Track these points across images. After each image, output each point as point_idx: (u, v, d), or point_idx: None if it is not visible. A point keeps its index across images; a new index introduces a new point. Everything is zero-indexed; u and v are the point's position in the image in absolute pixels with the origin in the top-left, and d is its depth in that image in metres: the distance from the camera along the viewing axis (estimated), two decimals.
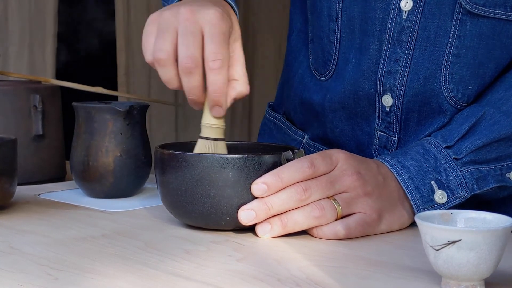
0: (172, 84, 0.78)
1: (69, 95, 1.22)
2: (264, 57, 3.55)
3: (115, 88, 3.11)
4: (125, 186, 0.93)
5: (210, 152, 0.78)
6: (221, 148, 0.79)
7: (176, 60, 0.76)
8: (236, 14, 0.85)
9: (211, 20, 0.76)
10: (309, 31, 0.97)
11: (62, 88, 1.12)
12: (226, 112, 0.78)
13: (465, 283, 0.56)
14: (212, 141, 0.78)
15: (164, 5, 0.97)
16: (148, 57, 0.78)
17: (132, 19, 3.05)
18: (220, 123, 0.79)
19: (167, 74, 0.77)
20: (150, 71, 3.15)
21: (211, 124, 0.78)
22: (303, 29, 0.99)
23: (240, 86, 0.79)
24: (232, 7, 0.84)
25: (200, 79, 0.76)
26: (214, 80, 0.75)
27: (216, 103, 0.77)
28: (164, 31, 0.76)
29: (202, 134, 0.79)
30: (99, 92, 1.13)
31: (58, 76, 2.82)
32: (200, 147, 0.79)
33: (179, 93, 3.24)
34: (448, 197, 0.78)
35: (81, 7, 3.40)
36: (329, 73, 0.93)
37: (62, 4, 2.89)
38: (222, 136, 0.79)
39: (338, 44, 0.91)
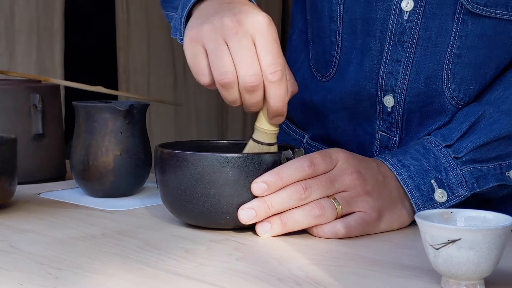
0: (238, 103, 0.76)
1: (72, 95, 1.22)
2: None
3: (115, 87, 3.11)
4: (125, 185, 0.93)
5: None
6: (274, 151, 0.78)
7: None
8: None
9: (261, 28, 0.73)
10: (308, 32, 0.97)
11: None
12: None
13: (465, 282, 0.56)
14: (266, 146, 0.78)
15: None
16: (205, 79, 0.75)
17: (131, 18, 3.05)
18: (276, 129, 0.78)
19: (232, 96, 0.75)
20: (149, 70, 3.15)
21: (267, 130, 0.77)
22: (304, 29, 0.99)
23: (292, 86, 0.77)
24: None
25: (262, 94, 0.74)
26: (276, 93, 0.73)
27: (278, 114, 0.75)
28: (218, 51, 0.73)
29: (256, 138, 0.78)
30: (99, 91, 1.13)
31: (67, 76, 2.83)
32: (251, 149, 0.78)
33: (178, 93, 3.24)
34: (448, 196, 0.78)
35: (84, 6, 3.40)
36: (330, 74, 0.93)
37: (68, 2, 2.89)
38: (275, 141, 0.79)
39: (339, 45, 0.91)
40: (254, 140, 0.78)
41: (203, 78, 0.75)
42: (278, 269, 0.63)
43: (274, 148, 0.78)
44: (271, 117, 0.76)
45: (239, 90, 0.74)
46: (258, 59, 0.72)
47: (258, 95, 0.74)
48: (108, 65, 3.21)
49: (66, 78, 2.99)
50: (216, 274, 0.61)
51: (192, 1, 0.82)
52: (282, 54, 0.74)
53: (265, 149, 0.78)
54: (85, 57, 3.42)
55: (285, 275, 0.61)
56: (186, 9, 0.82)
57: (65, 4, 2.83)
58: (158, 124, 3.23)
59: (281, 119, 0.76)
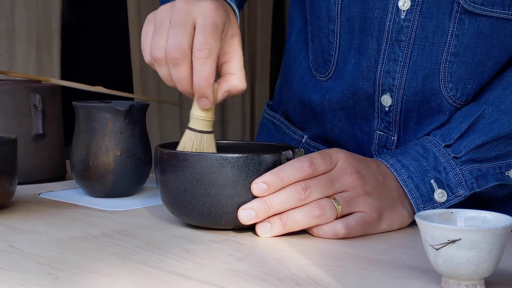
0: (169, 81, 0.77)
1: (70, 95, 1.22)
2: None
3: (130, 88, 3.12)
4: (125, 185, 0.93)
5: (194, 145, 0.77)
6: (207, 140, 0.77)
7: None
8: (235, 13, 0.84)
9: (204, 11, 0.74)
10: (308, 32, 0.97)
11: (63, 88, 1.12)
12: (214, 105, 0.76)
13: (465, 282, 0.56)
14: (199, 133, 0.77)
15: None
16: (147, 57, 0.77)
17: (143, 19, 3.05)
18: (208, 116, 0.77)
19: (164, 72, 0.76)
20: None
21: (198, 116, 0.77)
22: (303, 29, 0.99)
23: (235, 80, 0.78)
24: (231, 6, 0.84)
25: (187, 70, 0.74)
26: (199, 69, 0.73)
27: (201, 94, 0.75)
28: (159, 28, 0.75)
29: (190, 125, 0.78)
30: (99, 91, 1.13)
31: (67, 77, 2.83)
32: (186, 138, 0.77)
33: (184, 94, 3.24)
34: (448, 196, 0.78)
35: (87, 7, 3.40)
36: (329, 73, 0.93)
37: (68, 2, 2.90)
38: (209, 129, 0.78)
39: (337, 45, 0.91)
40: (189, 129, 0.77)
41: (145, 56, 0.77)
42: (278, 269, 0.63)
43: (208, 137, 0.77)
44: (197, 98, 0.75)
45: None
46: (193, 38, 0.74)
47: (182, 70, 0.74)
48: (122, 66, 3.22)
49: (77, 79, 3.00)
50: (216, 274, 0.61)
51: None
52: (217, 38, 0.74)
53: (198, 137, 0.77)
54: (100, 58, 3.42)
55: (285, 275, 0.61)
56: None
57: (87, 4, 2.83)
58: (158, 124, 3.23)
59: (207, 103, 0.75)
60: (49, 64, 2.81)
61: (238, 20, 0.85)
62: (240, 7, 0.96)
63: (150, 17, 0.78)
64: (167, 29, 0.75)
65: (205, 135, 0.78)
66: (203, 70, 0.74)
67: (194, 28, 0.74)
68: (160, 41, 0.75)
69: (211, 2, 0.76)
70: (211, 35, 0.74)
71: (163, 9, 0.77)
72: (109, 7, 3.35)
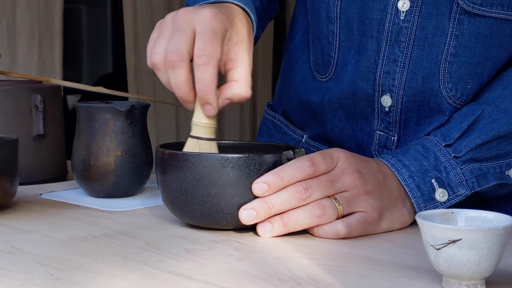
0: (170, 86, 0.76)
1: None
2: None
3: (125, 87, 3.12)
4: (126, 186, 0.93)
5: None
6: (212, 148, 0.77)
7: None
8: (251, 18, 0.84)
9: (203, 18, 0.75)
10: (309, 33, 0.97)
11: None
12: (218, 111, 0.76)
13: (466, 282, 0.56)
14: (204, 141, 0.77)
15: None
16: (148, 62, 0.78)
17: (138, 19, 3.05)
18: (212, 122, 0.77)
19: (163, 78, 0.76)
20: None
21: (202, 123, 0.77)
22: (307, 30, 0.99)
23: (238, 87, 0.77)
24: (245, 11, 0.83)
25: (185, 75, 0.74)
26: (200, 76, 0.74)
27: (204, 101, 0.75)
28: (161, 35, 0.76)
29: (193, 133, 0.77)
30: (100, 91, 1.13)
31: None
32: (191, 146, 0.77)
33: None
34: (449, 195, 0.78)
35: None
36: (329, 74, 0.93)
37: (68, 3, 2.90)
38: (213, 136, 0.78)
39: (337, 46, 0.91)
40: (192, 137, 0.77)
41: (148, 61, 0.78)
42: (279, 269, 0.63)
43: (213, 145, 0.77)
44: (201, 105, 0.76)
45: None
46: (193, 45, 0.74)
47: (180, 75, 0.74)
48: (117, 66, 3.22)
49: (76, 79, 3.00)
50: (217, 274, 0.61)
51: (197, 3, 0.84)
52: (217, 44, 0.74)
53: (203, 144, 0.77)
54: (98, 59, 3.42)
55: (286, 275, 0.61)
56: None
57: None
58: (154, 124, 3.23)
59: (211, 109, 0.75)
60: (51, 64, 2.81)
61: (255, 25, 0.85)
62: (261, 14, 0.96)
63: (157, 25, 0.79)
64: (167, 36, 0.75)
65: (211, 143, 0.77)
66: (204, 77, 0.73)
67: (194, 35, 0.74)
68: (159, 47, 0.75)
69: (210, 9, 0.76)
70: (210, 42, 0.74)
71: (168, 17, 0.77)
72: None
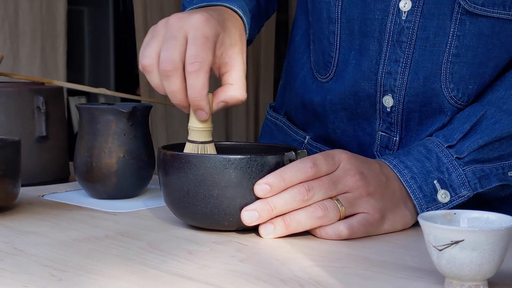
0: (160, 90, 0.77)
1: None
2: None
3: (128, 89, 3.12)
4: (128, 187, 0.93)
5: None
6: (210, 150, 0.78)
7: None
8: (243, 20, 0.84)
9: (195, 24, 0.75)
10: (310, 33, 0.97)
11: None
12: (211, 115, 0.77)
13: (468, 283, 0.56)
14: (201, 144, 0.78)
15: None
16: (139, 65, 0.79)
17: (149, 21, 3.06)
18: (206, 126, 0.78)
19: (153, 81, 0.77)
20: None
21: (197, 128, 0.77)
22: (307, 31, 1.00)
23: (233, 90, 0.77)
24: (238, 14, 0.84)
25: (179, 83, 0.74)
26: (192, 83, 0.74)
27: (197, 107, 0.75)
28: (152, 40, 0.77)
29: (190, 138, 0.78)
30: (103, 93, 1.13)
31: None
32: (187, 150, 0.78)
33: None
34: (451, 196, 0.78)
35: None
36: (329, 74, 0.93)
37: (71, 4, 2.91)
38: (209, 139, 0.78)
39: (338, 46, 0.91)
40: (189, 141, 0.78)
41: (139, 65, 0.78)
42: (281, 271, 0.63)
43: (210, 147, 0.78)
44: (194, 111, 0.76)
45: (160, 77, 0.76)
46: (185, 51, 0.74)
47: (174, 83, 0.74)
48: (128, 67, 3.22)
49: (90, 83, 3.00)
50: (219, 276, 0.61)
51: (191, 6, 0.86)
52: (209, 50, 0.75)
53: (200, 148, 0.77)
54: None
55: (288, 277, 0.61)
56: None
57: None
58: (165, 127, 3.23)
59: (203, 115, 0.76)
60: (54, 66, 2.81)
61: (247, 27, 0.85)
62: (257, 14, 0.96)
63: (150, 30, 0.79)
64: (159, 41, 0.76)
65: (206, 145, 0.78)
66: (196, 83, 0.74)
67: (187, 42, 0.75)
68: (149, 50, 0.76)
69: (202, 14, 0.76)
70: (202, 48, 0.74)
71: (160, 23, 0.78)
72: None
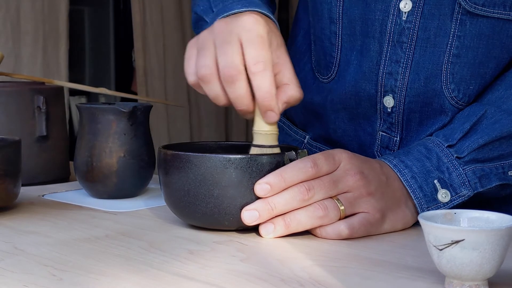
0: (220, 100, 0.76)
1: None
2: None
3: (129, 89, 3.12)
4: (128, 187, 0.94)
5: None
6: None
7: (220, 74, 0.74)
8: (275, 23, 0.84)
9: (246, 26, 0.74)
10: (311, 34, 0.97)
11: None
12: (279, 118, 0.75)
13: (469, 282, 0.56)
14: (269, 149, 0.76)
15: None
16: (191, 78, 0.76)
17: (148, 21, 3.06)
18: (274, 129, 0.76)
19: (213, 91, 0.75)
20: (165, 72, 3.15)
21: (265, 131, 0.76)
22: (309, 30, 1.00)
23: (291, 89, 0.76)
24: (269, 17, 0.83)
25: (245, 87, 0.73)
26: (260, 84, 0.73)
27: (267, 107, 0.74)
28: (203, 50, 0.75)
29: (255, 142, 0.77)
30: (103, 93, 1.13)
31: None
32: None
33: (192, 94, 3.24)
34: (451, 196, 0.78)
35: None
36: (331, 75, 0.93)
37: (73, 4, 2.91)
38: (276, 143, 0.77)
39: (339, 46, 0.91)
40: (255, 146, 0.77)
41: (190, 77, 0.77)
42: (282, 270, 0.63)
43: (277, 151, 0.77)
44: (263, 114, 0.75)
45: (221, 85, 0.74)
46: (243, 55, 0.73)
47: (240, 88, 0.73)
48: (126, 67, 3.22)
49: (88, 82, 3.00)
50: (220, 275, 0.61)
51: (221, 15, 0.83)
52: (267, 49, 0.74)
53: (268, 152, 0.76)
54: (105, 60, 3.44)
55: (288, 276, 0.61)
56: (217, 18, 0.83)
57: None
58: (166, 127, 3.23)
59: (274, 116, 0.75)
60: (56, 66, 2.81)
61: (279, 29, 0.85)
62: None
63: (192, 43, 0.78)
64: (211, 50, 0.74)
65: (274, 150, 0.76)
66: (263, 83, 0.73)
67: (241, 45, 0.74)
68: (205, 60, 0.74)
69: (250, 16, 0.75)
70: (261, 47, 0.73)
71: (204, 33, 0.77)
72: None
